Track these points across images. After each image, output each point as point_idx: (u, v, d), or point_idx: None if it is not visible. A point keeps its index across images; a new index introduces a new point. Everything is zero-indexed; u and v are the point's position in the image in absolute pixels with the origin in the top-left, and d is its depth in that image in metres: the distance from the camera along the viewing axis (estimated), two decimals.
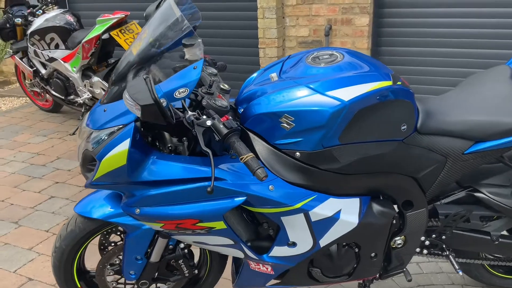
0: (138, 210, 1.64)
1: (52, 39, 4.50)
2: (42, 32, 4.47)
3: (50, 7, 4.96)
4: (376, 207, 1.77)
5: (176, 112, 1.70)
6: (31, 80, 5.12)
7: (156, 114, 1.39)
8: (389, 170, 1.74)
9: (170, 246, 1.94)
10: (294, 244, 1.74)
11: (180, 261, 1.96)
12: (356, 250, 1.85)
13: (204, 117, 1.54)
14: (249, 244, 1.76)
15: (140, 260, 1.89)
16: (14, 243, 2.89)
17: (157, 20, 1.69)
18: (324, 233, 1.71)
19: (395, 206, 1.84)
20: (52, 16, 4.53)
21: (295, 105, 1.57)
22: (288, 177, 1.62)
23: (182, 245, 1.95)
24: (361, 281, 2.06)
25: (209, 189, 1.45)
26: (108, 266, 1.98)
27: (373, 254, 1.87)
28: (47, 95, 5.19)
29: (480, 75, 2.02)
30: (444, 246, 1.97)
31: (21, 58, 4.94)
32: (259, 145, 1.65)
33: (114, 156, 1.54)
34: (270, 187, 1.60)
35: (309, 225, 1.67)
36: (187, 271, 1.99)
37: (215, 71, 1.79)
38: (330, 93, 1.57)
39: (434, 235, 1.96)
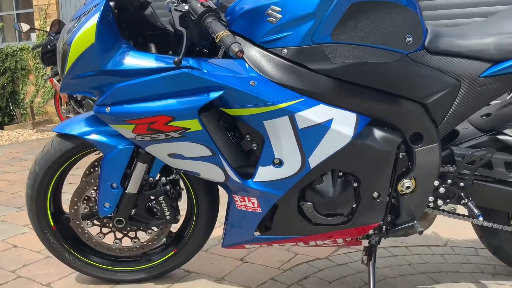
0: (109, 108, 1.51)
1: None
2: None
3: None
4: (376, 130, 1.56)
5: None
6: (66, 106, 5.26)
7: None
8: (393, 90, 1.55)
9: (151, 179, 1.76)
10: (280, 164, 1.53)
11: (161, 199, 1.77)
12: (355, 185, 1.61)
13: (184, 4, 1.45)
14: (230, 162, 1.56)
15: (115, 189, 1.72)
16: (11, 221, 2.78)
17: None
18: (314, 147, 1.50)
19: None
20: None
21: None
22: (274, 76, 1.47)
23: (164, 180, 1.77)
24: (366, 244, 1.78)
25: (176, 59, 1.32)
26: (84, 202, 1.81)
27: (375, 194, 1.62)
28: None
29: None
30: (462, 194, 1.68)
31: (58, 81, 5.12)
32: (245, 47, 1.51)
33: (83, 33, 1.45)
34: (252, 82, 1.45)
35: (295, 134, 1.48)
36: (168, 212, 1.78)
37: None
38: None
39: (450, 181, 1.68)
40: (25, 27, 5.08)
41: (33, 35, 7.66)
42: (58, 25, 5.19)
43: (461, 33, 1.64)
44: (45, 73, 7.28)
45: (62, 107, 5.46)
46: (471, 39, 1.60)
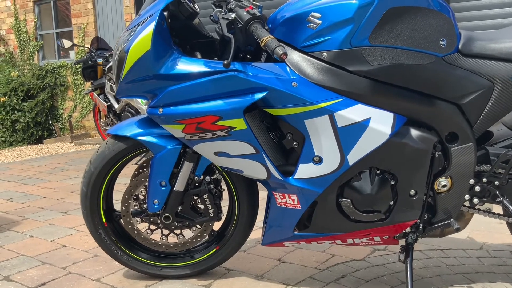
0: (161, 109, 1.63)
1: None
2: None
3: None
4: (413, 129, 1.63)
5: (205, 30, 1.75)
6: (105, 119, 5.47)
7: None
8: (428, 91, 1.62)
9: (196, 178, 1.87)
10: (320, 161, 1.61)
11: (205, 196, 1.87)
12: (393, 182, 1.68)
13: (230, 13, 1.57)
14: (272, 160, 1.66)
15: (164, 187, 1.83)
16: (58, 224, 2.93)
17: None
18: (352, 145, 1.58)
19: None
20: None
21: (322, 3, 1.56)
22: (314, 78, 1.56)
23: (208, 179, 1.88)
24: (403, 242, 1.83)
25: (225, 62, 1.44)
26: (134, 200, 1.93)
27: (412, 192, 1.68)
28: None
29: None
30: (497, 192, 1.73)
31: (98, 95, 5.34)
32: (287, 51, 1.61)
33: (140, 41, 1.58)
34: (293, 83, 1.55)
35: (335, 132, 1.56)
36: (211, 210, 1.89)
37: None
38: None
39: (485, 180, 1.73)
40: (67, 43, 5.34)
41: (72, 53, 7.99)
42: (97, 42, 5.44)
43: (493, 37, 1.71)
44: (84, 89, 7.58)
45: (101, 120, 5.68)
46: (503, 42, 1.67)
